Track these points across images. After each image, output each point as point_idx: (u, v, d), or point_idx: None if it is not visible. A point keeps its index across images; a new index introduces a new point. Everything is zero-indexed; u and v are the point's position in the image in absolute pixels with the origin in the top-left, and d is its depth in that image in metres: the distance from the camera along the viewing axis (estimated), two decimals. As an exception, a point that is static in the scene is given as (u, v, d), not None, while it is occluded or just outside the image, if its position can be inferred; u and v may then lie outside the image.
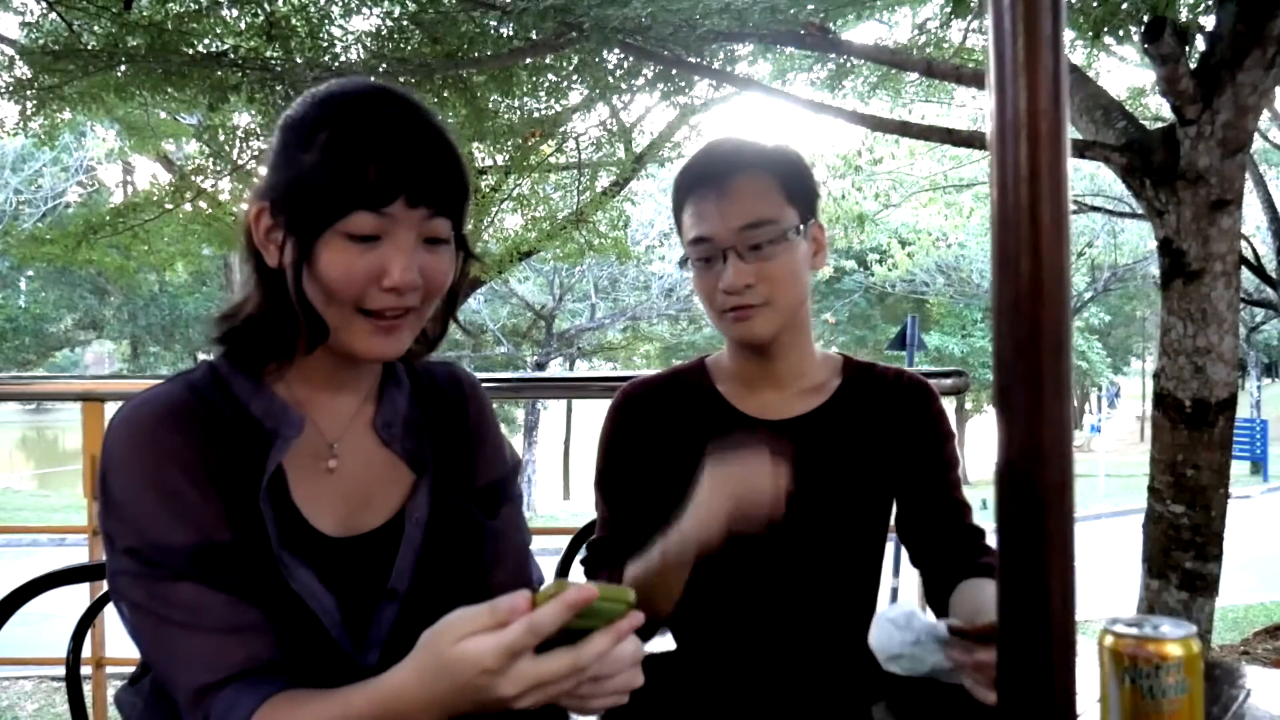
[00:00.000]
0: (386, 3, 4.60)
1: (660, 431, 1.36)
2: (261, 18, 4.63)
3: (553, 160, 7.52)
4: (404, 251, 0.90)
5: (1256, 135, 5.04)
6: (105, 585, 1.30)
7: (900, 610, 1.22)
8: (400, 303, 0.91)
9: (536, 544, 1.33)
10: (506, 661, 0.78)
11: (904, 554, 1.44)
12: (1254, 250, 6.41)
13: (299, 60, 4.66)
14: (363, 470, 1.01)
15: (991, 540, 1.33)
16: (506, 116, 5.94)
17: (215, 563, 0.88)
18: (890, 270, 17.92)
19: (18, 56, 4.87)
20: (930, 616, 1.24)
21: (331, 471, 0.99)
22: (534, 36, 4.13)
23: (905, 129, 4.28)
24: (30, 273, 19.21)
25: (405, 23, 4.62)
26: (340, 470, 0.99)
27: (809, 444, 1.32)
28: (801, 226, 1.31)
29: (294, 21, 4.72)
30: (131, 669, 1.07)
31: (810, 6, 3.75)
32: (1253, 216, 8.49)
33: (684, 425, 1.35)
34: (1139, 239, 16.42)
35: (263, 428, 0.94)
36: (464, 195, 0.94)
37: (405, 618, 0.99)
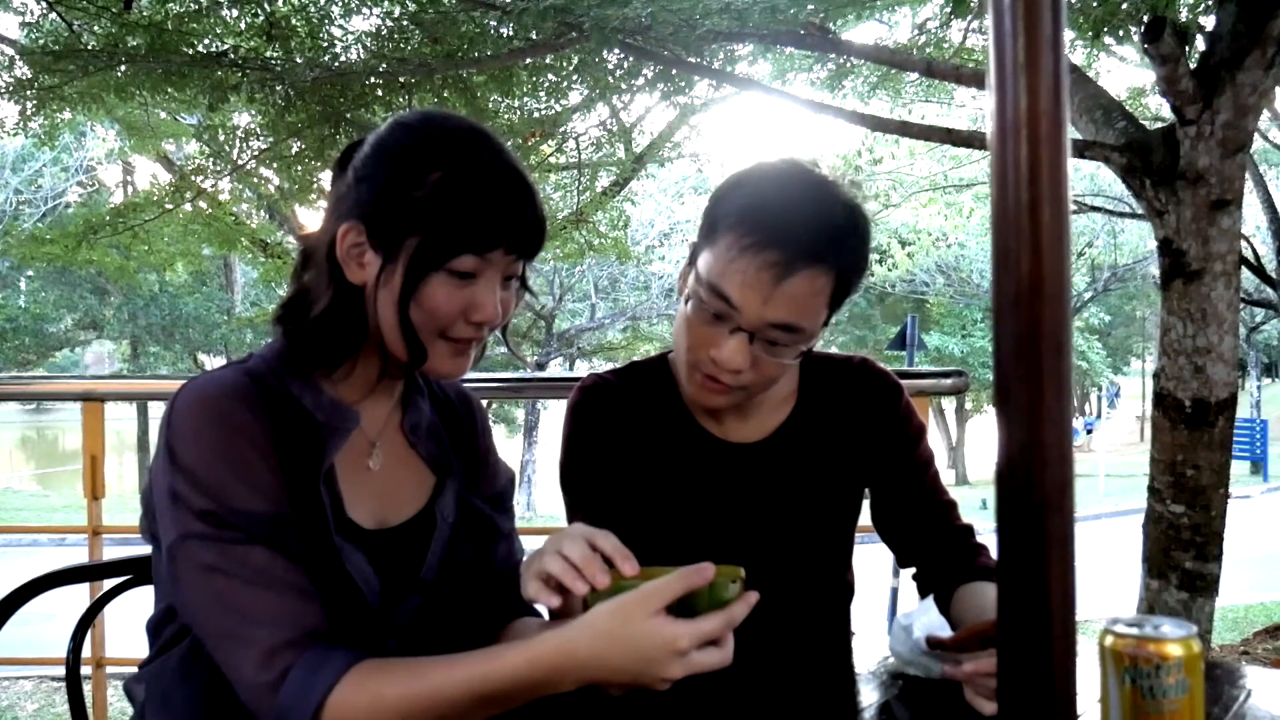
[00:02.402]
0: (386, 3, 4.61)
1: (623, 433, 1.30)
2: (261, 18, 4.63)
3: (553, 160, 7.51)
4: (493, 290, 0.98)
5: (1256, 135, 5.04)
6: (105, 585, 1.30)
7: (911, 618, 1.22)
8: (479, 334, 1.00)
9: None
10: (695, 646, 0.83)
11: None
12: (1254, 250, 6.41)
13: (299, 60, 4.66)
14: (395, 468, 1.07)
15: (981, 537, 1.33)
16: (506, 116, 5.94)
17: (285, 532, 0.93)
18: (890, 270, 17.93)
19: (18, 56, 4.88)
20: (936, 617, 1.25)
21: (371, 469, 1.05)
22: (534, 36, 4.13)
23: (905, 129, 4.28)
24: (30, 273, 19.18)
25: (405, 23, 4.62)
26: (378, 467, 1.05)
27: (776, 464, 1.30)
28: (823, 328, 1.21)
29: (294, 21, 4.72)
30: (131, 669, 1.07)
31: (810, 6, 3.75)
32: (1253, 216, 8.49)
33: (648, 434, 1.30)
34: (1139, 239, 16.42)
35: (315, 420, 0.99)
36: (544, 242, 1.01)
37: (425, 608, 1.04)
